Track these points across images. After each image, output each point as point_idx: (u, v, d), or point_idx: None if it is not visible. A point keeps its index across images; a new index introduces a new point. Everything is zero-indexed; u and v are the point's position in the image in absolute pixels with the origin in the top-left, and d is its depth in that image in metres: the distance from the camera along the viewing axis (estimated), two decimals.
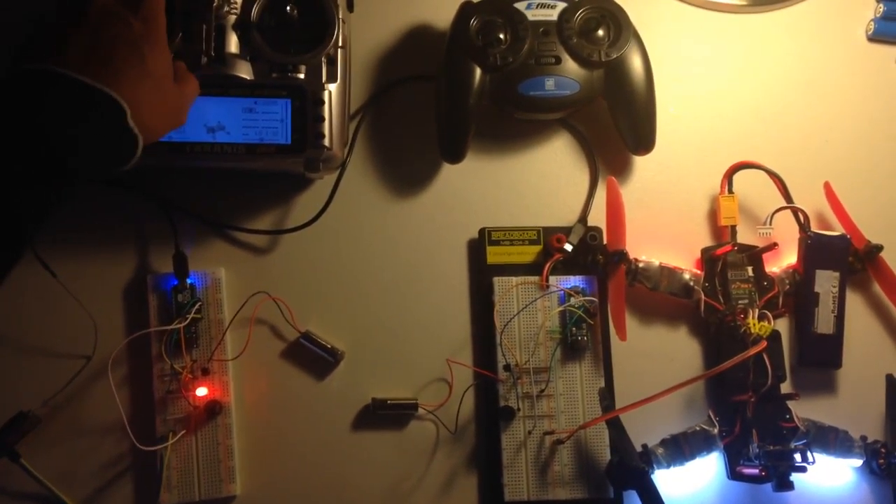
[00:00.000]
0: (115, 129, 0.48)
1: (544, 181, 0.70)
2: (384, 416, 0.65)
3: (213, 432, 0.62)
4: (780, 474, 0.61)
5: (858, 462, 0.65)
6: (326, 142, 0.62)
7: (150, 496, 0.62)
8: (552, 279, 0.66)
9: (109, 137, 0.48)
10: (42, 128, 0.45)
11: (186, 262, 0.64)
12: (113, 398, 0.61)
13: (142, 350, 0.63)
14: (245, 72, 0.61)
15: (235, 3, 0.62)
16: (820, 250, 0.67)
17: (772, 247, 0.66)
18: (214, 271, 0.65)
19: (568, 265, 0.67)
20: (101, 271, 0.65)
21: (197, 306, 0.63)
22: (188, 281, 0.64)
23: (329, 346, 0.65)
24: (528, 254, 0.67)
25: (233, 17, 0.61)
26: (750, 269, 0.66)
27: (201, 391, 0.62)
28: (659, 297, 0.67)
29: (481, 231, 0.67)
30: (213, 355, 0.63)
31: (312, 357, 0.65)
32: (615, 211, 0.66)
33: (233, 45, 0.61)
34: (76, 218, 0.65)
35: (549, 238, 0.67)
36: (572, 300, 0.65)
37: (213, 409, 0.62)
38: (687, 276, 0.66)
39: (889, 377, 0.66)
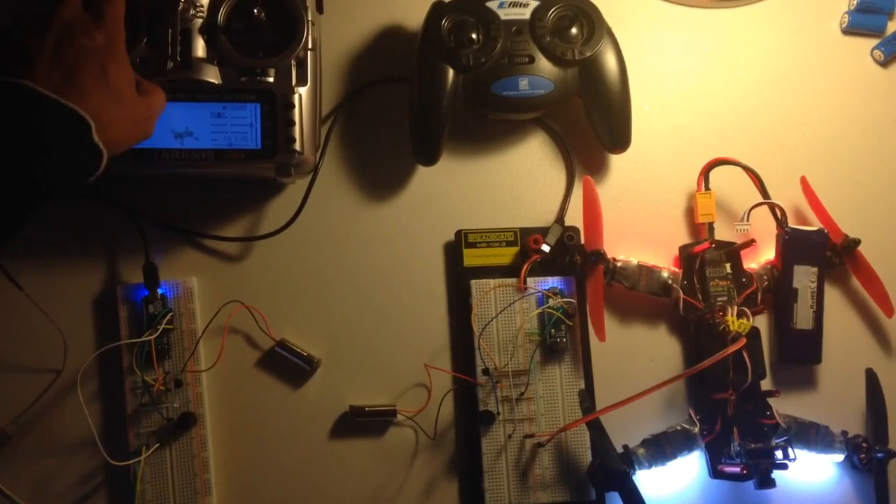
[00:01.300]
0: (81, 143, 0.48)
1: (520, 182, 0.69)
2: (362, 423, 0.64)
3: (187, 445, 0.61)
4: (761, 472, 0.61)
5: (840, 457, 0.64)
6: (297, 146, 0.61)
7: None
8: (530, 281, 0.65)
9: (75, 152, 0.48)
10: (6, 141, 0.45)
11: (157, 271, 0.63)
12: (83, 413, 0.60)
13: (113, 363, 0.62)
14: (213, 76, 0.60)
15: (202, 6, 0.61)
16: (798, 245, 0.67)
17: (749, 243, 0.65)
18: (186, 280, 0.64)
19: (546, 266, 0.66)
20: (69, 283, 0.64)
21: (168, 317, 0.62)
22: (159, 291, 0.62)
23: (305, 354, 0.64)
24: (506, 255, 0.66)
25: (199, 21, 0.60)
26: (728, 266, 0.66)
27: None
28: (638, 296, 0.66)
29: (457, 233, 0.67)
30: (186, 366, 0.62)
31: (288, 365, 0.64)
32: (592, 210, 0.65)
33: (199, 49, 0.60)
34: (42, 228, 0.63)
35: (526, 239, 0.66)
36: (551, 302, 0.65)
37: (188, 421, 0.61)
38: (665, 274, 0.66)
39: (869, 371, 0.66)
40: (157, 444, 0.61)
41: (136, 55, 0.59)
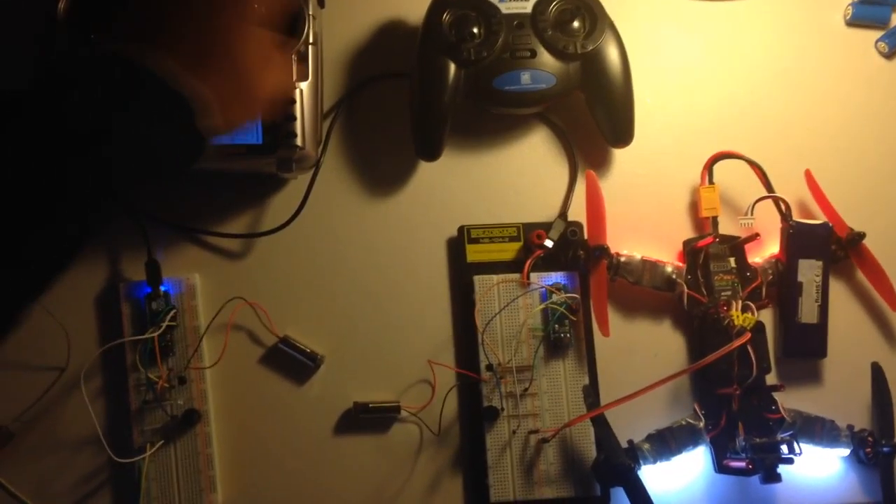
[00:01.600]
0: (184, 129, 0.47)
1: (523, 177, 0.69)
2: (366, 419, 0.64)
3: (192, 442, 0.61)
4: (767, 466, 0.60)
5: (846, 451, 0.64)
6: (299, 141, 0.60)
7: None
8: (533, 276, 0.65)
9: (177, 136, 0.47)
10: (112, 118, 0.44)
11: (159, 268, 0.63)
12: (87, 410, 0.60)
13: (116, 360, 0.62)
14: None
15: None
16: (802, 239, 0.66)
17: (754, 237, 0.65)
18: (188, 277, 0.63)
19: (549, 261, 0.66)
20: (71, 280, 0.63)
21: (171, 314, 0.62)
22: (162, 288, 0.62)
23: (308, 350, 0.64)
24: (509, 251, 0.66)
25: None
26: (732, 260, 0.66)
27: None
28: (641, 291, 0.66)
29: (460, 229, 0.66)
30: (190, 363, 0.62)
31: (292, 362, 0.64)
32: (595, 205, 0.65)
33: None
34: None
35: (529, 234, 0.66)
36: (554, 297, 0.64)
37: (192, 418, 0.61)
38: (669, 269, 0.66)
39: (874, 365, 0.65)
40: (162, 442, 0.61)
41: None
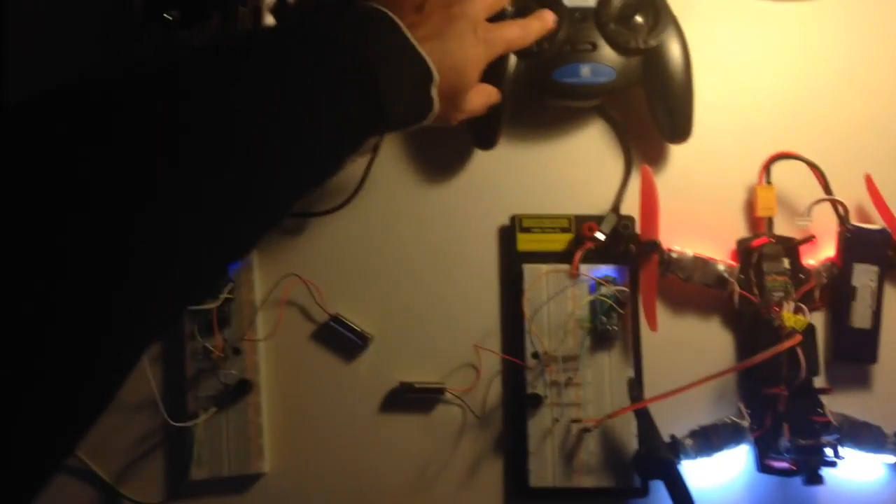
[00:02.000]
0: (420, 92, 0.50)
1: (577, 169, 0.69)
2: (411, 399, 0.65)
3: (243, 410, 0.63)
4: (810, 468, 0.60)
5: (892, 458, 0.63)
6: None
7: (180, 471, 0.63)
8: (583, 268, 0.66)
9: (414, 98, 0.50)
10: (376, 74, 0.46)
11: None
12: (146, 375, 0.62)
13: (175, 328, 0.64)
14: None
15: None
16: (859, 244, 0.65)
17: (809, 239, 0.64)
18: None
19: (599, 254, 0.66)
20: None
21: (229, 287, 0.64)
22: None
23: (358, 329, 0.65)
24: (559, 242, 0.67)
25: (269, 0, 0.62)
26: (786, 261, 0.65)
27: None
28: (692, 288, 0.66)
29: (512, 218, 0.67)
30: (245, 335, 0.64)
31: (341, 340, 0.66)
32: (649, 200, 0.65)
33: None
34: None
35: (580, 226, 0.66)
36: (603, 289, 0.65)
37: (244, 388, 0.63)
38: (721, 267, 0.65)
39: None
40: (215, 409, 0.63)
41: (208, 30, 0.60)
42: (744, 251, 0.66)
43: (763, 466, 0.62)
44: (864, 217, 0.68)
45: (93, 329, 0.32)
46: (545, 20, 0.62)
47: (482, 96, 0.60)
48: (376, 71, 0.46)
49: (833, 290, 0.66)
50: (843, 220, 0.66)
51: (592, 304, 0.65)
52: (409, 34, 0.49)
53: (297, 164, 0.41)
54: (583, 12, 0.65)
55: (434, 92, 0.51)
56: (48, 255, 0.30)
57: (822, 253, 0.67)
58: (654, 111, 0.67)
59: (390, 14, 0.49)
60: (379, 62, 0.46)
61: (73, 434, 0.34)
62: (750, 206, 0.68)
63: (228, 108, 0.37)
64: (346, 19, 0.47)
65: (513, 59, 0.64)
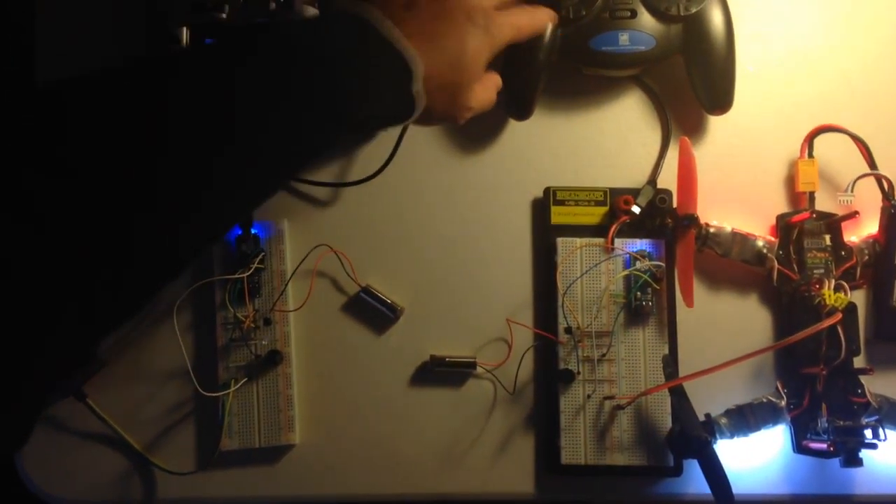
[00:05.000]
0: (398, 90, 0.48)
1: (613, 140, 0.68)
2: (442, 373, 0.64)
3: (273, 381, 0.63)
4: (848, 450, 0.59)
5: None
6: None
7: (211, 441, 0.63)
8: (618, 242, 0.64)
9: (392, 95, 0.48)
10: (336, 73, 0.44)
11: None
12: (177, 344, 0.62)
13: (206, 298, 0.64)
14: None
15: None
16: None
17: (852, 215, 0.63)
18: (278, 222, 0.65)
19: (635, 228, 0.65)
20: None
21: (260, 257, 0.63)
22: (252, 231, 0.64)
23: (389, 301, 0.65)
24: (594, 215, 0.65)
25: None
26: (828, 237, 0.64)
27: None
28: (729, 263, 0.64)
29: (546, 190, 0.66)
30: (275, 306, 0.63)
31: (372, 312, 0.65)
32: (687, 173, 0.64)
33: None
34: None
35: (616, 199, 0.65)
36: (638, 264, 0.64)
37: (275, 359, 0.63)
38: (760, 243, 0.64)
39: None
40: (245, 379, 0.63)
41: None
42: (784, 227, 0.64)
43: (800, 447, 0.61)
44: None
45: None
46: (552, 14, 0.61)
47: (490, 90, 0.57)
48: (334, 70, 0.44)
49: (875, 268, 0.64)
50: (887, 195, 0.65)
51: (627, 279, 0.64)
52: (388, 31, 0.46)
53: (270, 156, 0.42)
54: None
55: (417, 89, 0.48)
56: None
57: (864, 230, 0.65)
58: (693, 81, 0.65)
59: (368, 12, 0.46)
60: (338, 62, 0.44)
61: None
62: (791, 180, 0.66)
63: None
64: (314, 21, 0.46)
65: (550, 26, 0.63)
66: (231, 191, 0.41)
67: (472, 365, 0.64)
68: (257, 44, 0.43)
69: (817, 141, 0.65)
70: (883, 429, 0.59)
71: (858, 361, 0.63)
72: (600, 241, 0.65)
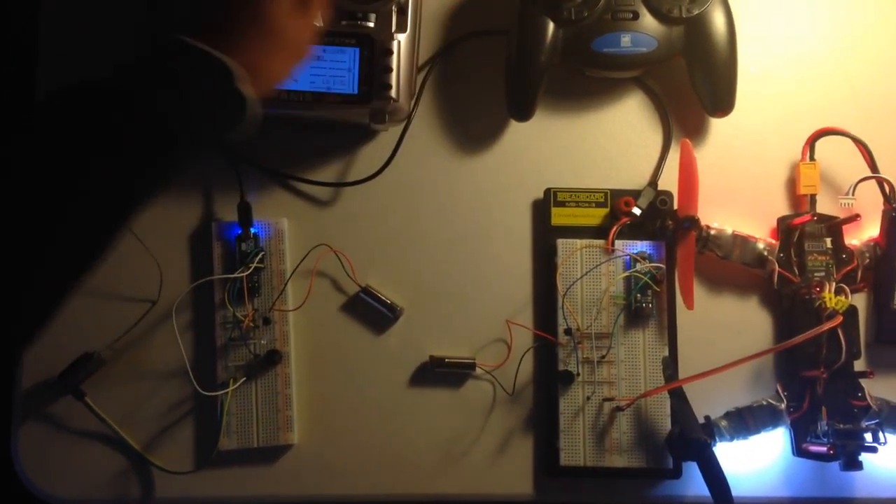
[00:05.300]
0: (223, 92, 0.47)
1: (614, 142, 0.68)
2: (441, 374, 0.64)
3: (272, 381, 0.63)
4: (848, 453, 0.59)
5: None
6: (393, 93, 0.61)
7: (209, 440, 0.63)
8: (618, 243, 0.64)
9: (216, 101, 0.47)
10: (153, 95, 0.45)
11: (251, 211, 0.64)
12: (176, 343, 0.62)
13: (205, 297, 0.64)
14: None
15: None
16: None
17: (853, 218, 0.63)
18: (278, 222, 0.65)
19: (635, 229, 0.65)
20: (167, 218, 0.65)
21: (260, 256, 0.63)
22: (252, 230, 0.64)
23: (388, 301, 0.65)
24: (595, 216, 0.65)
25: None
26: (828, 240, 0.63)
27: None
28: (730, 266, 0.64)
29: (547, 191, 0.66)
30: (275, 305, 0.63)
31: (372, 312, 0.65)
32: (688, 175, 0.64)
33: None
34: None
35: (616, 201, 0.65)
36: (638, 266, 0.63)
37: (274, 358, 0.62)
38: (761, 245, 0.64)
39: None
40: (244, 379, 0.62)
41: None
42: (784, 229, 0.64)
43: (800, 450, 0.61)
44: None
45: None
46: None
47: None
48: (132, 98, 0.44)
49: (876, 271, 0.64)
50: (888, 198, 0.65)
51: (627, 280, 0.64)
52: (199, 44, 0.46)
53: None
54: None
55: (243, 87, 0.47)
56: None
57: (865, 233, 0.65)
58: (695, 83, 0.65)
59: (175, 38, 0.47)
60: (139, 86, 0.45)
61: None
62: (792, 183, 0.66)
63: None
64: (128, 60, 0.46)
65: (552, 28, 0.63)
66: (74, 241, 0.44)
67: (472, 366, 0.64)
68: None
69: (819, 143, 0.65)
70: (883, 432, 0.59)
71: (859, 365, 0.63)
72: (601, 242, 0.64)
